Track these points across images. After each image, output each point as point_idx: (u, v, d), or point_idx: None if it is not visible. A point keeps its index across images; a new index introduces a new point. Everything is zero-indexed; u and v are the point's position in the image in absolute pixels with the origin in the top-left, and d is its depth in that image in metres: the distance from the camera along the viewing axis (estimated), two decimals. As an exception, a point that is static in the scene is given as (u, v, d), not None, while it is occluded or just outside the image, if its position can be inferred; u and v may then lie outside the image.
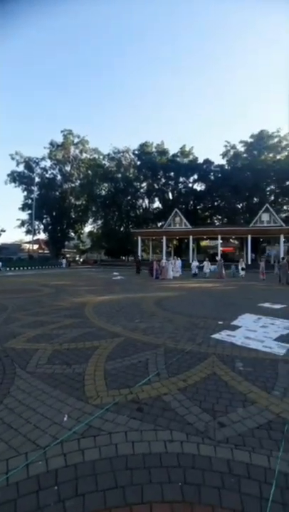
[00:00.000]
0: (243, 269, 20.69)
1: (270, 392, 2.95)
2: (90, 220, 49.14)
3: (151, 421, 2.42)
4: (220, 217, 44.50)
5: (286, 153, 39.05)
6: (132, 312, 7.08)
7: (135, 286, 13.86)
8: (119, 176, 45.88)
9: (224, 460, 1.96)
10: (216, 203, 43.84)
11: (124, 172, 46.13)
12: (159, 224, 42.29)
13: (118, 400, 2.74)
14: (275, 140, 39.39)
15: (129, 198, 46.34)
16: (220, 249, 32.94)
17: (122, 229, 46.62)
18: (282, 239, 29.77)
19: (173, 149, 46.81)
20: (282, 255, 27.35)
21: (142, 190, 47.40)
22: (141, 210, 47.94)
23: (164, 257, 23.70)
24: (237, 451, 2.05)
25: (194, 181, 44.84)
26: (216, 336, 4.98)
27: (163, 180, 45.68)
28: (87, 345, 4.39)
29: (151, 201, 47.96)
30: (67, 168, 46.17)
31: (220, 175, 41.56)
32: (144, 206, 48.29)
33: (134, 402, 2.73)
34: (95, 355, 3.96)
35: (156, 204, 48.13)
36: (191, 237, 33.46)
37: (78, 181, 46.80)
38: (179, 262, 21.78)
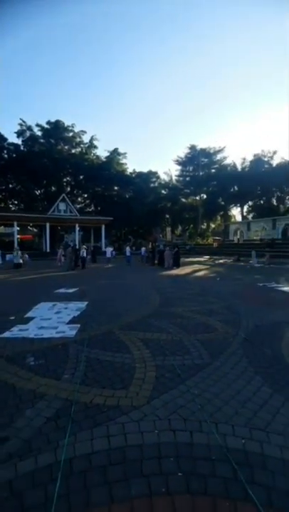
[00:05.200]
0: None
1: (60, 378, 2.95)
2: None
3: None
4: (16, 202, 40.66)
5: (79, 150, 42.41)
6: None
7: None
8: None
9: (5, 484, 1.64)
10: (11, 186, 39.41)
11: None
12: None
13: None
14: (70, 134, 41.51)
15: None
16: (17, 236, 30.29)
17: None
18: (77, 228, 32.48)
19: None
20: (77, 244, 29.90)
21: None
22: None
23: None
24: (21, 463, 1.80)
25: (-18, 156, 37.49)
26: (6, 334, 4.38)
27: None
28: None
29: None
30: None
31: (15, 155, 37.62)
32: None
33: None
34: None
35: None
36: (-21, 222, 27.99)
37: None
38: None
